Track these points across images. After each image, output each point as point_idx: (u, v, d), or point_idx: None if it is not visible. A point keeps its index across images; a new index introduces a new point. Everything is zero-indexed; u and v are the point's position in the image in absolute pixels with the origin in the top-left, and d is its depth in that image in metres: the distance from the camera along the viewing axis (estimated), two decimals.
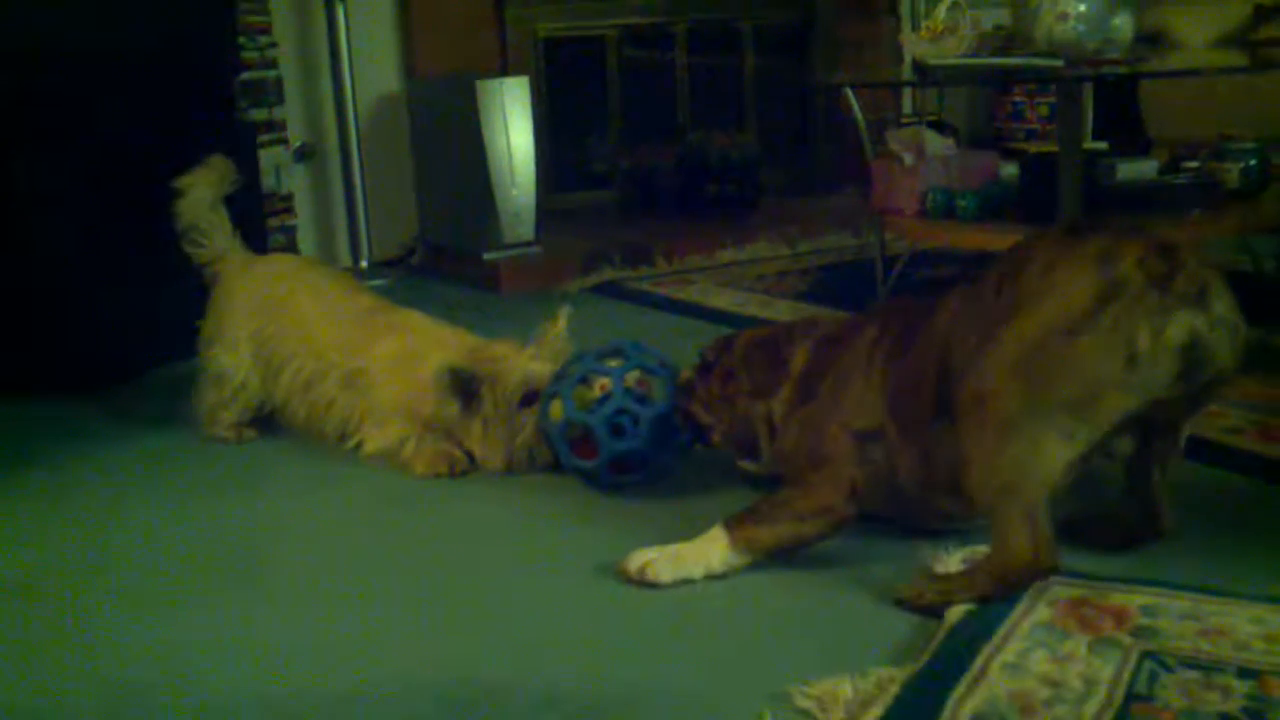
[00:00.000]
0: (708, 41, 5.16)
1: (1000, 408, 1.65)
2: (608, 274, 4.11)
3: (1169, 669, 1.52)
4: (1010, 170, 3.58)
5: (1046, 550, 1.68)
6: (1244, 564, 1.80)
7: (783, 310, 3.51)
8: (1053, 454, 1.64)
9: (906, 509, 1.92)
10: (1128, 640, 1.59)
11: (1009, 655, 1.56)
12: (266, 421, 2.68)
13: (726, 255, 4.30)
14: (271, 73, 4.11)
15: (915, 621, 1.70)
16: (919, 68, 3.58)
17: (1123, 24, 3.21)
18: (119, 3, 3.20)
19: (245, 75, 3.90)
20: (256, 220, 3.72)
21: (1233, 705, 1.43)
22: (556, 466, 2.33)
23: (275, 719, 1.56)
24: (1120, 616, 1.65)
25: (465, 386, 2.35)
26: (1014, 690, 1.49)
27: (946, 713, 1.45)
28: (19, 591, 2.00)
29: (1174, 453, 1.82)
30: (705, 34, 5.14)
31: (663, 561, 1.85)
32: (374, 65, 4.42)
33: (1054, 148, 3.46)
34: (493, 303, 3.89)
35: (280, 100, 4.14)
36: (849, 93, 3.57)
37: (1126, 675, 1.51)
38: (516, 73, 4.27)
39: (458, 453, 2.41)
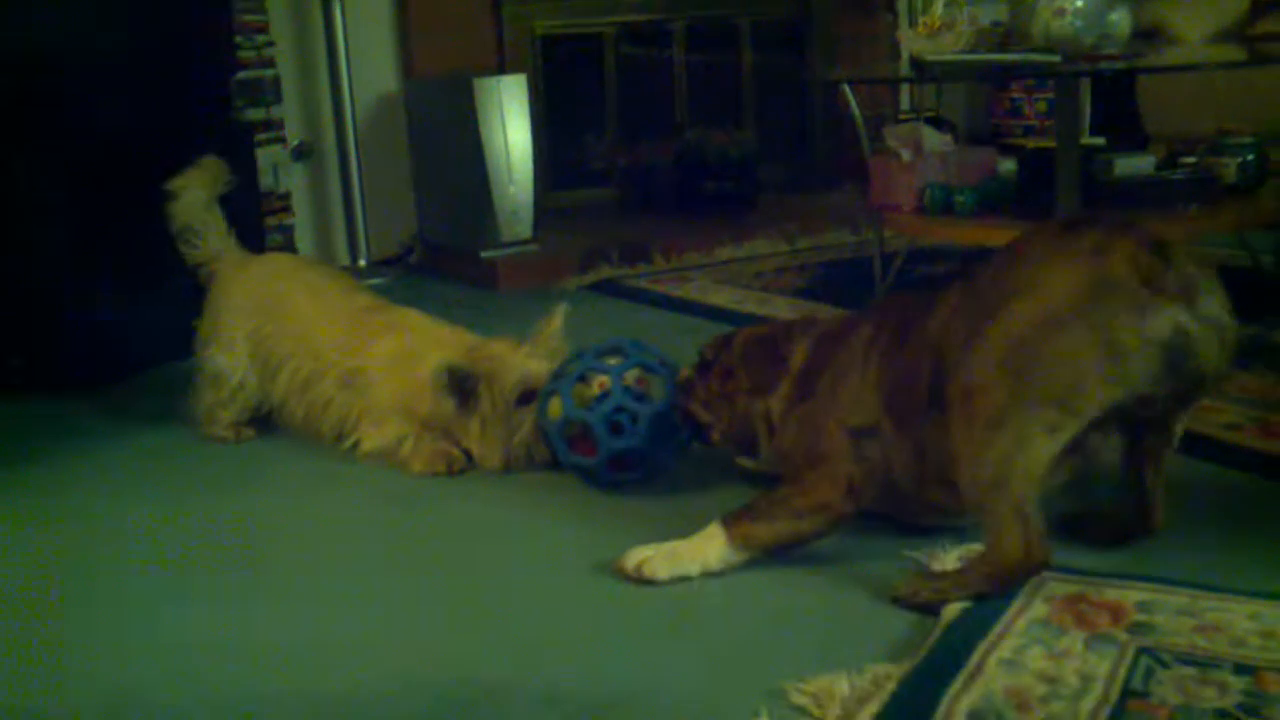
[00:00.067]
0: (705, 38, 5.15)
1: (987, 403, 1.65)
2: (606, 272, 4.11)
3: (1165, 665, 1.52)
4: (1008, 166, 3.57)
5: (1038, 546, 1.68)
6: (1241, 560, 1.80)
7: (781, 307, 3.51)
8: (1038, 448, 1.65)
9: (902, 505, 1.93)
10: (1124, 636, 1.59)
11: (1005, 652, 1.57)
12: (264, 420, 2.68)
13: (725, 252, 4.30)
14: (269, 72, 4.11)
15: (912, 618, 1.70)
16: (916, 64, 3.58)
17: (1120, 19, 3.21)
18: (115, 3, 3.20)
19: (242, 74, 3.91)
20: (254, 219, 3.72)
21: (1229, 701, 1.44)
22: (554, 464, 2.33)
23: (274, 718, 1.56)
24: (1116, 613, 1.65)
25: (462, 385, 2.35)
26: (1010, 686, 1.49)
27: (943, 709, 1.45)
28: (16, 590, 2.01)
29: (1167, 450, 1.82)
30: (703, 31, 5.14)
31: (660, 559, 1.85)
32: (371, 64, 4.43)
33: (1052, 143, 3.45)
34: (490, 301, 3.89)
35: (278, 99, 4.14)
36: (846, 89, 3.57)
37: (1123, 671, 1.51)
38: (514, 71, 4.27)
39: (455, 451, 2.41)
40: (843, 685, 1.52)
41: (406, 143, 4.51)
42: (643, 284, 3.96)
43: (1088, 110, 4.57)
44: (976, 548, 1.80)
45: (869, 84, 4.88)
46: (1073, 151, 3.22)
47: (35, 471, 2.55)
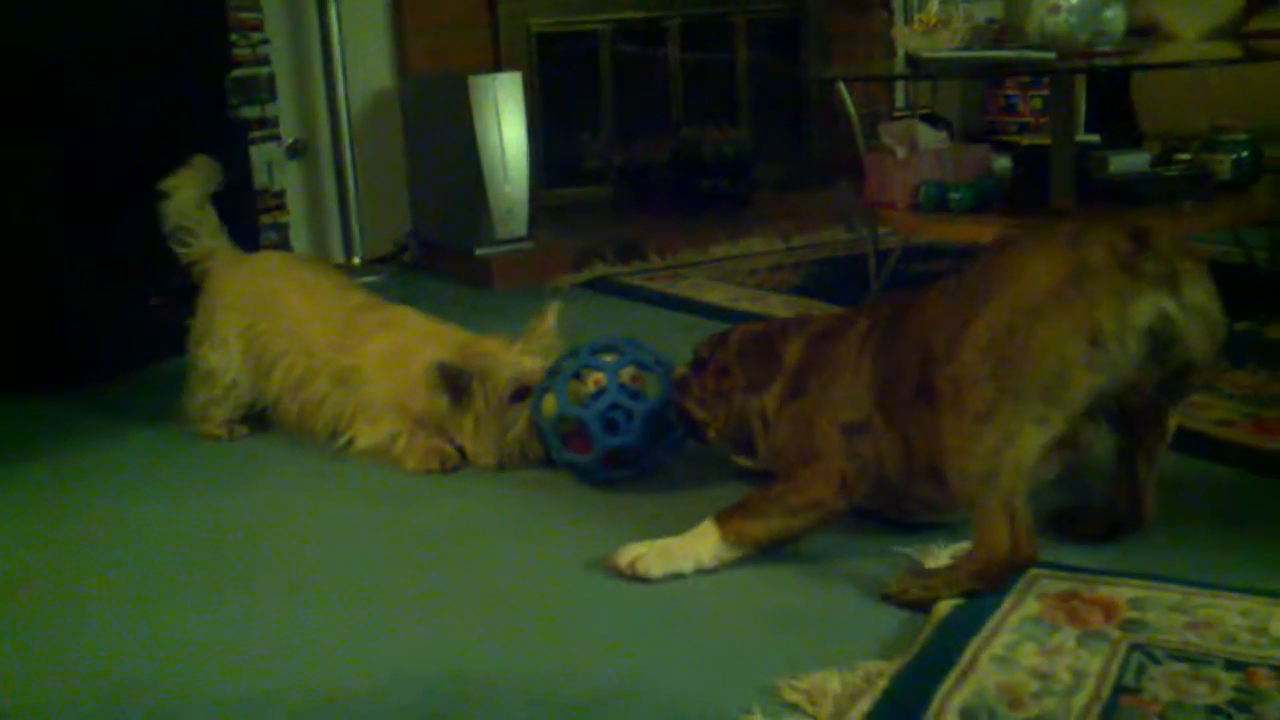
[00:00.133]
0: (701, 36, 5.15)
1: (974, 397, 1.66)
2: (600, 269, 4.11)
3: (1157, 661, 1.52)
4: (1003, 163, 3.57)
5: (1025, 541, 1.68)
6: (1233, 557, 1.81)
7: (776, 305, 3.51)
8: (1027, 441, 1.65)
9: (892, 501, 1.93)
10: (1116, 633, 1.59)
11: (997, 648, 1.57)
12: (258, 418, 2.68)
13: (719, 250, 4.30)
14: (263, 69, 4.11)
15: (904, 615, 1.70)
16: (911, 61, 3.58)
17: (1114, 16, 3.21)
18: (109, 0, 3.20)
19: (237, 72, 3.90)
20: (249, 217, 3.72)
21: (1220, 698, 1.44)
22: (548, 462, 2.33)
23: (266, 714, 1.56)
24: (1109, 609, 1.65)
25: (454, 382, 2.35)
26: (1002, 683, 1.49)
27: (935, 706, 1.45)
28: (10, 588, 2.00)
29: (1161, 444, 1.82)
30: (698, 29, 5.14)
31: (653, 556, 1.85)
32: (366, 61, 4.42)
33: (1047, 140, 3.46)
34: (485, 299, 3.89)
35: (272, 97, 4.14)
36: (842, 86, 3.57)
37: (1115, 668, 1.51)
38: (509, 68, 4.27)
39: (449, 449, 2.41)
40: (835, 682, 1.52)
41: (401, 140, 4.50)
42: (637, 282, 3.96)
43: (1082, 107, 4.58)
44: (967, 546, 1.80)
45: (864, 81, 4.89)
46: (1067, 148, 3.23)
47: (29, 469, 2.55)
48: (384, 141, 4.48)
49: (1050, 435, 1.66)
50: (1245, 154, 3.28)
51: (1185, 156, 3.39)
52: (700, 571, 1.85)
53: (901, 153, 3.47)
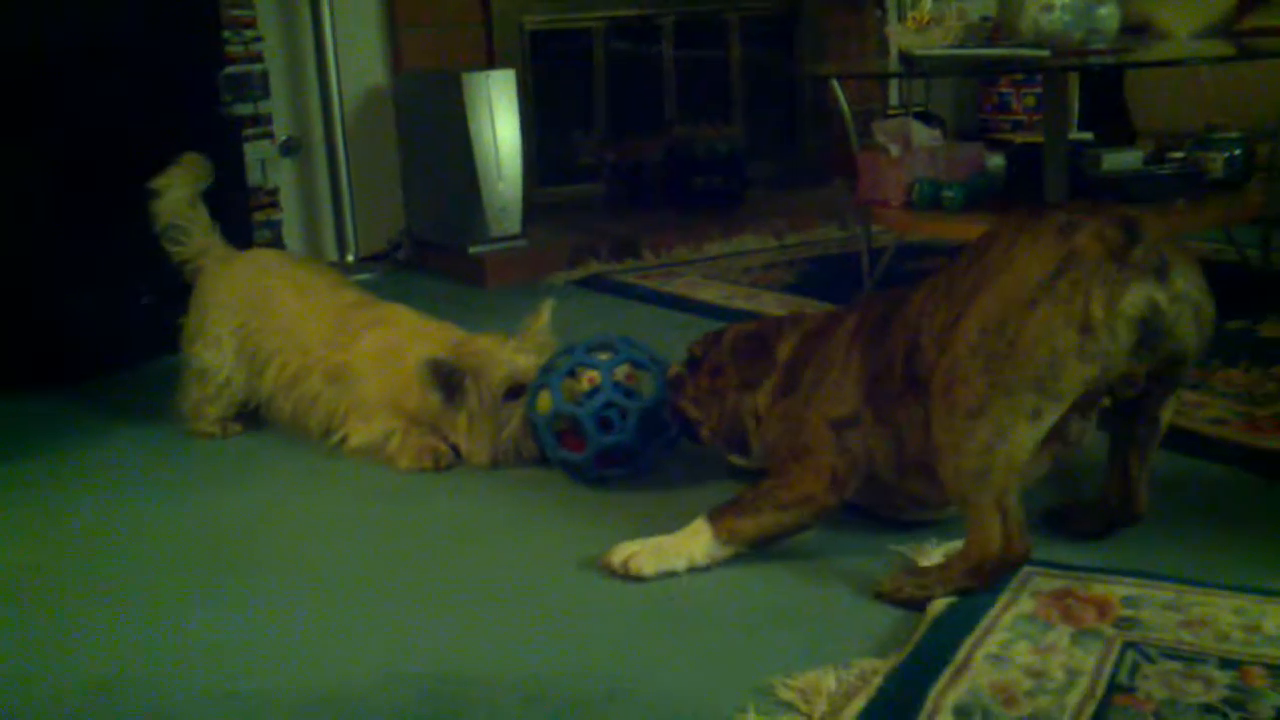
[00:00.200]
0: (694, 34, 5.15)
1: (966, 392, 1.65)
2: (594, 267, 4.11)
3: (1151, 660, 1.52)
4: (996, 161, 3.58)
5: (1018, 539, 1.68)
6: (1227, 555, 1.81)
7: (769, 303, 3.51)
8: (1020, 435, 1.65)
9: (884, 497, 1.93)
10: (1110, 631, 1.60)
11: (992, 647, 1.57)
12: (251, 416, 2.67)
13: (713, 248, 4.29)
14: (256, 67, 4.10)
15: (898, 613, 1.70)
16: (905, 59, 3.58)
17: (1108, 14, 3.21)
18: None
19: (230, 69, 3.89)
20: (242, 215, 3.71)
21: (1214, 696, 1.44)
22: (542, 460, 2.33)
23: (261, 712, 1.56)
24: (1103, 607, 1.65)
25: (446, 379, 2.35)
26: (996, 681, 1.49)
27: (929, 704, 1.45)
28: (3, 586, 2.00)
29: (1154, 440, 1.82)
30: (692, 26, 5.14)
31: (646, 554, 1.85)
32: (359, 59, 4.41)
33: (1040, 138, 3.46)
34: (479, 297, 3.89)
35: (265, 94, 4.13)
36: (835, 84, 3.57)
37: (1109, 666, 1.51)
38: (502, 66, 4.26)
39: (443, 447, 2.41)
40: (829, 680, 1.52)
41: (395, 138, 4.50)
42: (631, 279, 3.95)
43: (1076, 105, 4.58)
44: (960, 544, 1.80)
45: (858, 79, 4.88)
46: (1061, 146, 3.23)
47: (22, 467, 2.54)
48: (377, 139, 4.47)
49: (1043, 429, 1.66)
50: (1238, 152, 3.28)
51: (1178, 155, 3.39)
52: (693, 570, 1.85)
53: (895, 151, 3.47)
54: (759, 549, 1.87)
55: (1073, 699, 1.45)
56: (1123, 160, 3.28)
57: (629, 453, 2.22)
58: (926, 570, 1.77)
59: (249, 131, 4.03)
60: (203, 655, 1.72)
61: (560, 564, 1.93)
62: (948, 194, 3.32)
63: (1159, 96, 4.45)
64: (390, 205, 4.52)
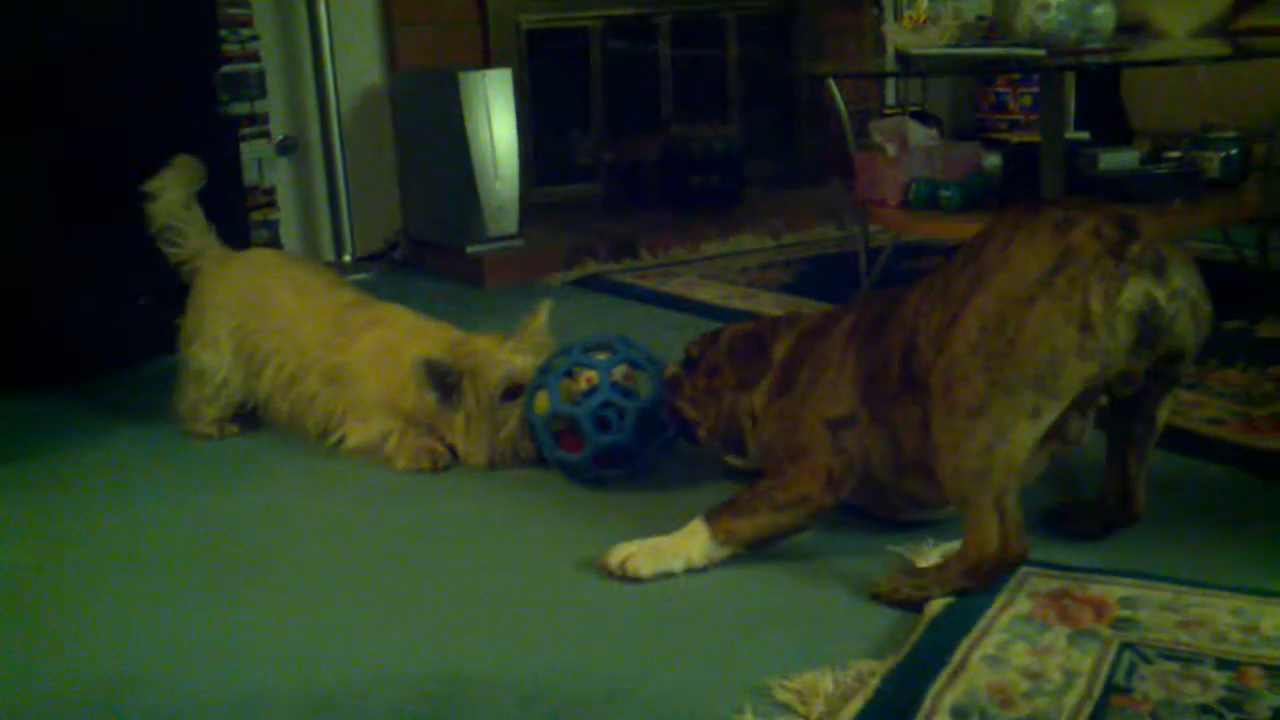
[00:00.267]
0: (691, 33, 5.15)
1: (966, 391, 1.65)
2: (591, 267, 4.11)
3: (1148, 660, 1.52)
4: (993, 161, 3.58)
5: (1016, 539, 1.68)
6: (1224, 555, 1.81)
7: (767, 303, 3.51)
8: (1020, 434, 1.65)
9: (881, 497, 1.93)
10: (1107, 632, 1.60)
11: (989, 648, 1.57)
12: (249, 417, 2.67)
13: (710, 248, 4.29)
14: (253, 66, 4.09)
15: (895, 614, 1.70)
16: (902, 58, 3.58)
17: (1104, 14, 3.21)
18: None
19: (226, 68, 3.88)
20: (239, 214, 3.71)
21: (1211, 697, 1.44)
22: (540, 461, 2.33)
23: (257, 712, 1.56)
24: (1100, 608, 1.66)
25: (442, 379, 2.35)
26: (994, 683, 1.49)
27: (926, 706, 1.45)
28: (4, 586, 2.00)
29: (1151, 439, 1.83)
30: (689, 25, 5.14)
31: (643, 555, 1.85)
32: (356, 58, 4.41)
33: (1036, 138, 3.46)
34: (476, 296, 3.88)
35: (262, 94, 4.13)
36: (832, 83, 3.56)
37: (1106, 667, 1.52)
38: (499, 65, 4.26)
39: (440, 447, 2.41)
40: (827, 682, 1.52)
41: (392, 137, 4.49)
42: (629, 279, 3.95)
43: (1072, 105, 4.59)
44: (957, 544, 1.80)
45: (854, 78, 4.89)
46: (1057, 146, 3.23)
47: (20, 468, 2.54)
48: (374, 138, 4.47)
49: (1042, 428, 1.66)
50: (1234, 152, 3.28)
51: (1175, 154, 3.39)
52: (691, 570, 1.85)
53: (892, 150, 3.47)
54: (756, 549, 1.87)
55: (1070, 700, 1.45)
56: (1119, 160, 3.28)
57: (626, 453, 2.22)
58: (924, 571, 1.77)
59: (245, 131, 4.02)
60: (201, 655, 1.72)
61: (558, 565, 1.93)
62: (945, 193, 3.32)
63: (1155, 96, 4.45)
64: (387, 205, 4.52)
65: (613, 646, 1.68)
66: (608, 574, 1.86)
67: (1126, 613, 1.64)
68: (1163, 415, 1.82)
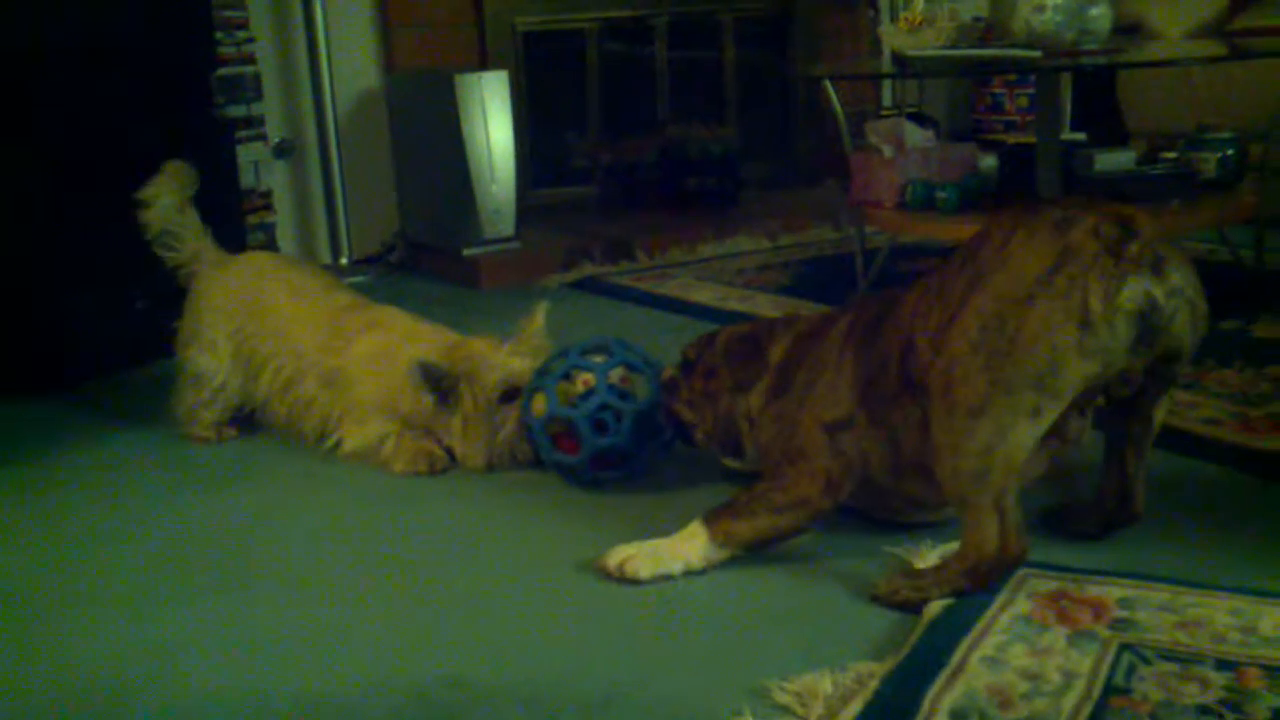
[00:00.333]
0: (688, 34, 5.15)
1: (967, 391, 1.65)
2: (588, 269, 4.11)
3: (1147, 661, 1.52)
4: (989, 162, 3.58)
5: (1014, 540, 1.68)
6: (1222, 556, 1.81)
7: (763, 305, 3.51)
8: (1020, 434, 1.65)
9: (880, 499, 1.93)
10: (1106, 633, 1.60)
11: (987, 649, 1.57)
12: (247, 420, 2.67)
13: (707, 249, 4.29)
14: (249, 68, 4.09)
15: (895, 616, 1.70)
16: (898, 59, 3.59)
17: (1100, 14, 3.21)
18: None
19: (222, 71, 3.88)
20: (235, 217, 3.71)
21: (1210, 697, 1.44)
22: (537, 463, 2.33)
23: (255, 716, 1.56)
24: (1098, 609, 1.66)
25: (438, 382, 2.35)
26: (992, 684, 1.49)
27: (925, 707, 1.45)
28: (1, 589, 2.00)
29: (1148, 438, 1.83)
30: (685, 27, 5.13)
31: (642, 557, 1.85)
32: (352, 60, 4.41)
33: (1033, 139, 3.46)
34: (473, 299, 3.88)
35: (258, 96, 4.12)
36: (828, 85, 3.56)
37: (1105, 668, 1.52)
38: (495, 67, 4.25)
39: (438, 450, 2.41)
40: (826, 684, 1.52)
41: (388, 140, 4.49)
42: (625, 281, 3.95)
43: (1068, 106, 4.59)
44: (956, 545, 1.80)
45: (851, 80, 4.89)
46: (1053, 147, 3.23)
47: (16, 472, 2.54)
48: (371, 140, 4.46)
49: (1042, 428, 1.66)
50: (1230, 152, 3.28)
51: (1171, 155, 3.39)
52: (689, 572, 1.85)
53: (888, 151, 3.47)
54: (755, 552, 1.87)
55: (1069, 701, 1.45)
56: (1116, 161, 3.28)
57: (624, 455, 2.22)
58: (922, 572, 1.77)
59: (242, 134, 4.02)
60: (199, 659, 1.72)
61: (556, 567, 1.93)
62: (941, 195, 3.32)
63: (1151, 97, 4.45)
64: (384, 207, 4.52)
65: (611, 648, 1.68)
66: (606, 576, 1.86)
67: (1125, 613, 1.64)
68: (1160, 415, 1.82)
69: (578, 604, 1.82)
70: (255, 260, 2.82)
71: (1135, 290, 1.62)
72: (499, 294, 3.90)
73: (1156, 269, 1.63)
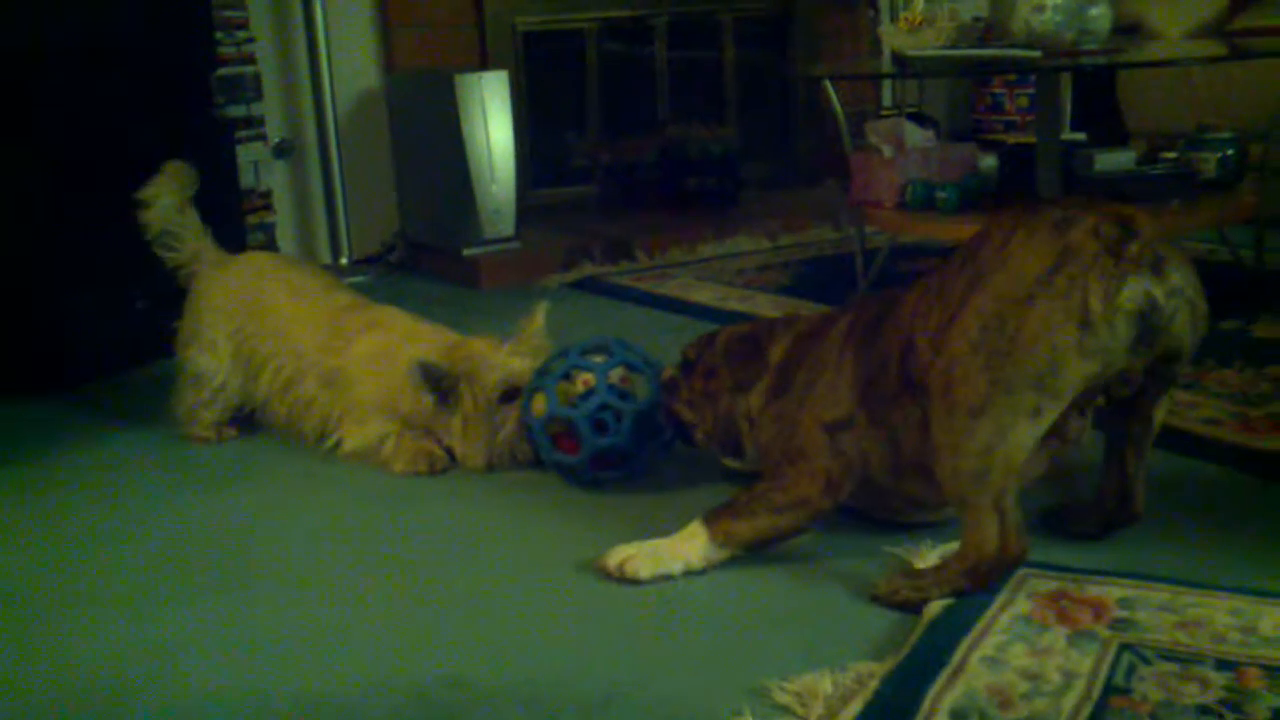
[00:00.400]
0: (688, 34, 5.15)
1: (968, 391, 1.65)
2: (588, 269, 4.11)
3: (1147, 661, 1.52)
4: (989, 162, 3.58)
5: (1014, 540, 1.68)
6: (1222, 556, 1.81)
7: (763, 304, 3.51)
8: (1021, 434, 1.65)
9: (880, 500, 1.93)
10: (1106, 633, 1.60)
11: (987, 649, 1.57)
12: (246, 420, 2.67)
13: (707, 249, 4.29)
14: (249, 68, 4.09)
15: (895, 616, 1.70)
16: (898, 59, 3.59)
17: (1100, 14, 3.21)
18: None
19: (222, 71, 3.88)
20: (235, 218, 3.71)
21: (1210, 697, 1.44)
22: (537, 463, 2.33)
23: (254, 717, 1.56)
24: (1098, 609, 1.66)
25: (437, 382, 2.35)
26: (993, 684, 1.49)
27: (925, 707, 1.45)
28: (0, 590, 2.00)
29: (1148, 438, 1.83)
30: (685, 27, 5.13)
31: (642, 557, 1.85)
32: (352, 60, 4.41)
33: (1033, 139, 3.46)
34: (473, 299, 3.88)
35: (258, 96, 4.12)
36: (828, 85, 3.56)
37: (1105, 668, 1.52)
38: (495, 67, 4.25)
39: (438, 450, 2.41)
40: (826, 683, 1.52)
41: (388, 140, 4.49)
42: (625, 281, 3.95)
43: (1068, 106, 4.59)
44: (956, 545, 1.80)
45: (850, 80, 4.88)
46: (1053, 147, 3.23)
47: (16, 472, 2.54)
48: (370, 141, 4.46)
49: (1042, 428, 1.66)
50: (1230, 152, 3.28)
51: (1171, 155, 3.39)
52: (689, 572, 1.85)
53: (888, 151, 3.47)
54: (755, 552, 1.87)
55: (1069, 701, 1.45)
56: (1116, 161, 3.28)
57: (624, 455, 2.22)
58: (922, 572, 1.77)
59: (242, 134, 4.02)
60: (199, 659, 1.72)
61: (556, 567, 1.93)
62: (941, 195, 3.32)
63: (1151, 97, 4.45)
64: (384, 207, 4.52)
65: (611, 648, 1.68)
66: (606, 576, 1.86)
67: (1125, 613, 1.64)
68: (1160, 415, 1.82)
69: (578, 604, 1.82)
70: (255, 260, 2.82)
71: (1135, 290, 1.62)
72: (499, 294, 3.91)
73: (1156, 269, 1.63)
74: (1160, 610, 1.64)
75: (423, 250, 4.36)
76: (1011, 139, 4.78)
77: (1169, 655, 1.53)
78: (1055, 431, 1.72)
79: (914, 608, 1.69)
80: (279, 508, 2.29)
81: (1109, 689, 1.47)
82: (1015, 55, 3.18)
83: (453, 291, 3.98)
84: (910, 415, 1.79)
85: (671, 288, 3.83)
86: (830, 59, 5.19)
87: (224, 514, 2.27)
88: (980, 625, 1.62)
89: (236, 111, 4.02)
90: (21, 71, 3.02)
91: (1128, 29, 4.11)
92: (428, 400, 2.36)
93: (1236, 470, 2.14)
